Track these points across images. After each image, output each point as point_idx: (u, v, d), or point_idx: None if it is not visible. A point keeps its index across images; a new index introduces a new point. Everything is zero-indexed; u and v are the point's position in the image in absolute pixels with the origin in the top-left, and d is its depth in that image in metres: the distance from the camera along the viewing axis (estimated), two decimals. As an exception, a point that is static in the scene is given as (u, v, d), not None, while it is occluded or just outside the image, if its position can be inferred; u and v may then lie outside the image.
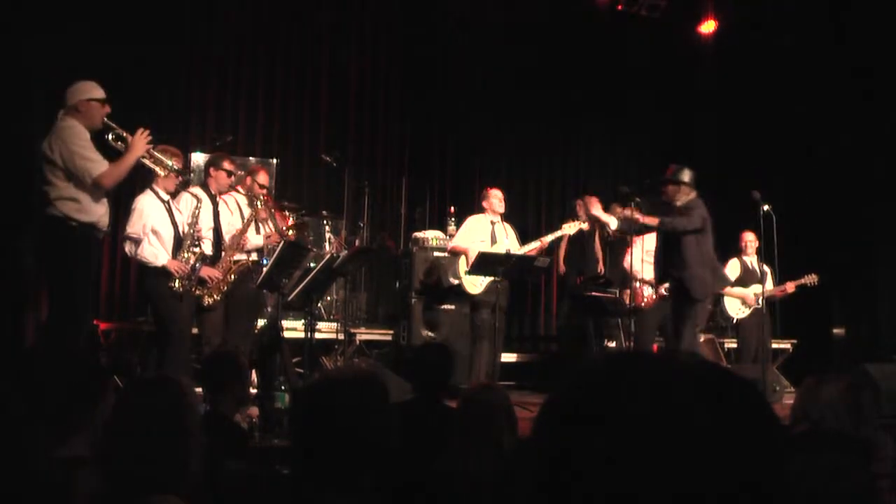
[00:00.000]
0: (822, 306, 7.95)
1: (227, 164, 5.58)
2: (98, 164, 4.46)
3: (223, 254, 5.38)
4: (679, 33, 9.25)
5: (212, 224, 5.47)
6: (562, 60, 9.29)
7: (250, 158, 7.90)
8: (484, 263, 6.10)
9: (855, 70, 8.22)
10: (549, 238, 6.69)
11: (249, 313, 5.65)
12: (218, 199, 5.56)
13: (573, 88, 9.41)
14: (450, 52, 8.96)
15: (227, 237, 5.49)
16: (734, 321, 7.57)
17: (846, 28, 8.28)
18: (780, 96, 8.99)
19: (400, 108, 8.99)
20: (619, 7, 9.08)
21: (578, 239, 7.66)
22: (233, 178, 5.61)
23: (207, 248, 5.42)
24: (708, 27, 9.18)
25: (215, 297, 5.24)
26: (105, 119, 4.59)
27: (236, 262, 5.37)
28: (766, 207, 6.39)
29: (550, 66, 9.31)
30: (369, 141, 8.78)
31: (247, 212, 5.65)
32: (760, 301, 7.02)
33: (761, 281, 7.15)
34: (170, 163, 4.91)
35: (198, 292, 5.16)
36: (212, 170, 5.58)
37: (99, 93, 4.60)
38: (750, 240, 7.33)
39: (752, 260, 7.43)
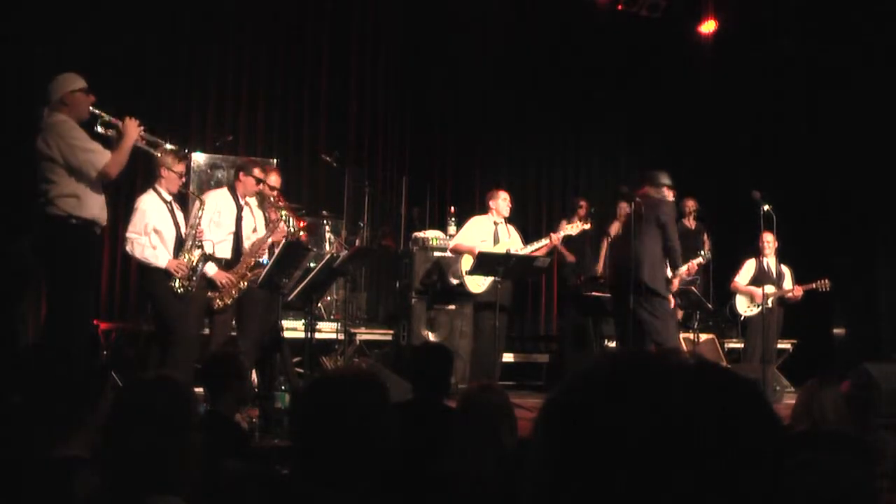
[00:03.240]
0: (823, 306, 7.95)
1: (257, 172, 5.56)
2: (101, 155, 4.40)
3: (241, 259, 5.38)
4: (679, 33, 9.25)
5: (233, 228, 5.47)
6: (562, 60, 9.29)
7: (250, 158, 7.90)
8: (484, 263, 6.09)
9: (854, 70, 8.22)
10: (558, 236, 6.67)
11: (262, 317, 5.62)
12: (243, 204, 5.56)
13: (573, 88, 9.41)
14: (450, 53, 8.95)
15: (247, 243, 5.48)
16: (741, 318, 7.57)
17: (845, 27, 8.27)
18: (781, 96, 9.00)
19: (400, 109, 8.99)
20: (619, 7, 9.07)
21: (577, 239, 7.67)
22: (262, 185, 5.59)
23: (226, 251, 5.42)
24: (708, 27, 9.18)
25: (226, 300, 5.24)
26: (91, 108, 4.52)
27: (253, 269, 5.36)
28: (766, 207, 6.39)
29: (551, 65, 9.31)
30: (369, 141, 8.78)
31: (258, 214, 5.66)
32: (770, 301, 7.00)
33: (776, 282, 7.14)
34: (162, 141, 4.85)
35: (210, 294, 5.17)
36: (242, 175, 5.57)
37: (81, 83, 4.51)
38: (769, 241, 7.31)
39: (769, 261, 7.41)
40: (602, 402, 0.68)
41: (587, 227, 6.89)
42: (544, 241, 6.52)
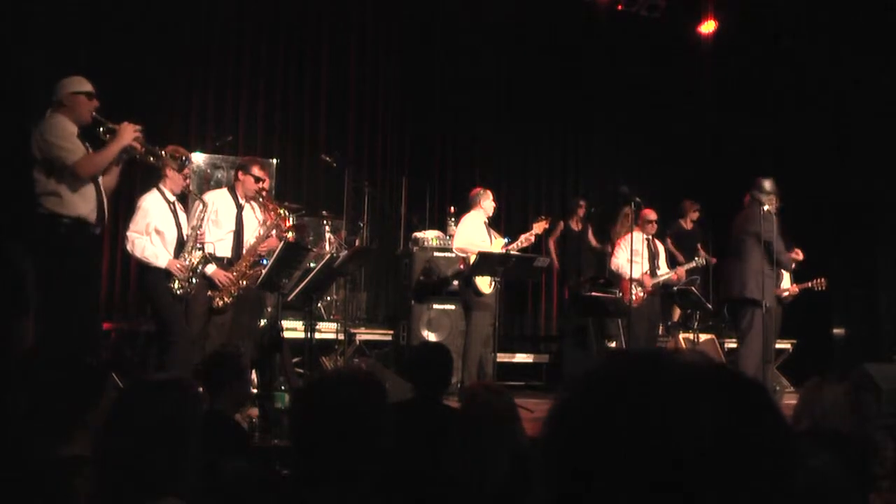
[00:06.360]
0: (823, 306, 7.95)
1: (256, 170, 5.52)
2: (73, 154, 4.32)
3: (241, 258, 5.37)
4: (679, 33, 9.25)
5: (233, 227, 5.45)
6: (562, 60, 9.30)
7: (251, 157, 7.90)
8: (484, 263, 6.08)
9: (854, 69, 8.22)
10: (527, 236, 6.59)
11: (251, 313, 5.64)
12: (244, 203, 5.55)
13: (573, 88, 9.41)
14: (450, 53, 8.96)
15: (250, 242, 5.47)
16: None
17: (844, 27, 8.27)
18: (780, 96, 8.99)
19: (400, 108, 8.99)
20: (619, 7, 9.08)
21: (573, 239, 7.66)
22: (261, 183, 5.56)
23: (226, 250, 5.41)
24: (708, 27, 9.19)
25: (226, 299, 5.24)
26: (94, 114, 4.47)
27: (253, 267, 5.35)
28: (766, 208, 6.39)
29: (550, 65, 9.31)
30: (369, 141, 8.78)
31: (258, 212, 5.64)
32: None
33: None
34: (161, 153, 4.82)
35: (209, 294, 5.17)
36: (240, 174, 5.54)
37: (85, 86, 4.47)
38: None
39: None
40: (614, 403, 0.68)
41: (539, 231, 6.79)
42: (521, 240, 6.49)
